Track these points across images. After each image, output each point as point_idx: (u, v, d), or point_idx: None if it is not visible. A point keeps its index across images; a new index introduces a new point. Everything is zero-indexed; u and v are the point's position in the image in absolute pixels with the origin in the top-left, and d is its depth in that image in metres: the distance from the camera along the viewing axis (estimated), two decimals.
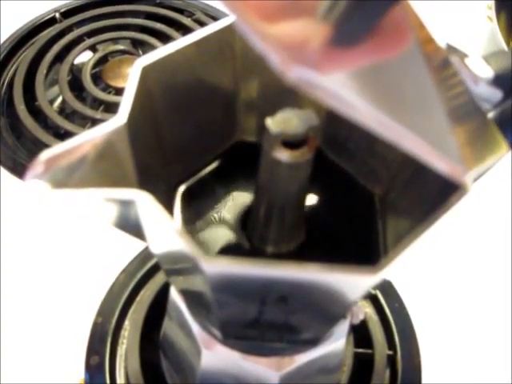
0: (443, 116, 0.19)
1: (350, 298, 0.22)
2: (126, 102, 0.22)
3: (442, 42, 0.24)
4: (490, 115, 0.26)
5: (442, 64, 0.23)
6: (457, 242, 0.49)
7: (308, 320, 0.25)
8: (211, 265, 0.19)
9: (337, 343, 0.32)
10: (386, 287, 0.44)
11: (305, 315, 0.24)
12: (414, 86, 0.19)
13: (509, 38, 0.58)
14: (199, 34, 0.26)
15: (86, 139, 0.22)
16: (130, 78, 0.23)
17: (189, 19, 0.63)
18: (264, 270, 0.19)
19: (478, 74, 0.23)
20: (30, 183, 0.22)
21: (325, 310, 0.23)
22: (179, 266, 0.26)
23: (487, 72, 0.24)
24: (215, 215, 0.29)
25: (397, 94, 0.19)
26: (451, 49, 0.24)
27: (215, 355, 0.31)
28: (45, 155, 0.22)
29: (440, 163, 0.19)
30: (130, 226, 0.24)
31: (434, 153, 0.18)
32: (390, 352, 0.42)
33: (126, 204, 0.21)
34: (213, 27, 0.26)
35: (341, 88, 0.18)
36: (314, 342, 0.29)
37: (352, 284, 0.20)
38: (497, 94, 0.24)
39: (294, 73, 0.17)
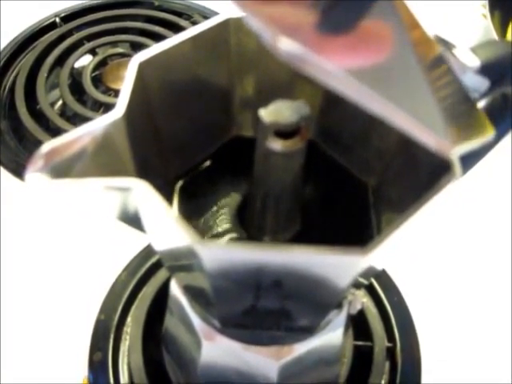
0: (431, 98, 0.20)
1: (343, 283, 0.22)
2: (124, 96, 0.23)
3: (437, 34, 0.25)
4: (479, 105, 0.27)
5: (435, 62, 0.23)
6: (455, 235, 0.50)
7: (303, 306, 0.25)
8: (207, 249, 0.20)
9: (335, 333, 0.32)
10: (385, 280, 0.45)
11: (300, 301, 0.25)
12: (404, 72, 0.20)
13: (503, 35, 0.59)
14: (195, 30, 0.27)
15: (85, 132, 0.22)
16: (128, 72, 0.24)
17: (187, 22, 0.64)
18: (256, 253, 0.19)
19: (466, 64, 0.24)
20: (31, 176, 0.22)
21: (319, 295, 0.24)
22: (180, 260, 0.26)
23: (474, 62, 0.24)
24: (213, 209, 0.30)
25: (388, 78, 0.19)
26: (440, 40, 0.24)
27: (215, 346, 0.31)
28: (45, 148, 0.22)
29: (428, 138, 0.19)
30: (130, 216, 0.24)
31: (422, 128, 0.19)
32: (390, 344, 0.42)
33: (124, 193, 0.21)
34: (208, 24, 0.27)
35: (331, 67, 0.18)
36: (311, 330, 0.29)
37: (343, 266, 0.21)
38: (484, 84, 0.25)
39: (284, 45, 0.18)
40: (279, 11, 0.18)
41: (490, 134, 0.21)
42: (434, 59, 0.23)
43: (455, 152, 0.20)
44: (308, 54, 0.18)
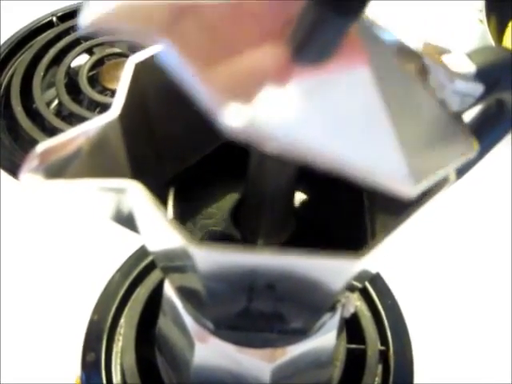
0: (394, 132, 0.18)
1: (337, 286, 0.22)
2: (119, 97, 0.23)
3: (428, 41, 0.25)
4: (475, 108, 0.27)
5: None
6: (449, 239, 0.50)
7: (297, 309, 0.25)
8: (201, 251, 0.20)
9: (328, 336, 0.32)
10: (379, 284, 0.45)
11: (293, 303, 0.25)
12: (363, 105, 0.19)
13: (499, 39, 0.59)
14: None
15: (80, 132, 0.22)
16: (124, 73, 0.24)
17: None
18: (250, 255, 0.19)
19: (454, 71, 0.24)
20: (26, 176, 0.22)
21: (313, 298, 0.24)
22: (173, 262, 0.26)
23: (470, 67, 0.24)
24: (208, 211, 0.30)
25: (343, 117, 0.18)
26: (429, 46, 0.24)
27: (208, 348, 0.31)
28: (40, 148, 0.22)
29: (387, 186, 0.18)
30: (124, 217, 0.24)
31: (380, 177, 0.18)
32: (383, 348, 0.42)
33: (118, 194, 0.21)
34: None
35: (281, 127, 0.17)
36: (304, 333, 0.29)
37: (336, 270, 0.21)
38: (478, 89, 0.25)
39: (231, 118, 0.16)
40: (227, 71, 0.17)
41: (474, 150, 0.21)
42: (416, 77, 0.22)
43: (420, 186, 0.19)
44: (251, 128, 0.16)
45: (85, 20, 0.18)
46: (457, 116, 0.23)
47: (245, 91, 0.17)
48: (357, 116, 0.18)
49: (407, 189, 0.18)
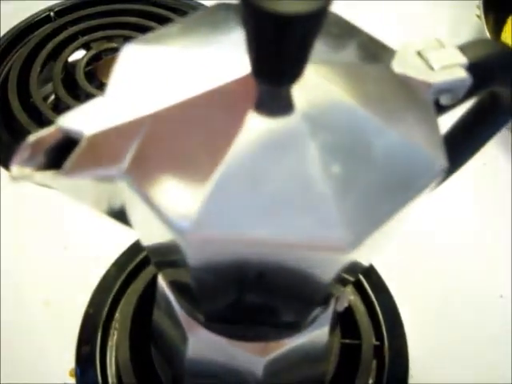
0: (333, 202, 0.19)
1: (326, 277, 0.22)
2: (113, 83, 0.23)
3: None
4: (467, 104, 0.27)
5: None
6: (446, 233, 0.50)
7: (287, 301, 0.25)
8: (190, 240, 0.20)
9: (321, 330, 0.32)
10: (374, 278, 0.45)
11: (284, 296, 0.25)
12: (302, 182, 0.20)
13: (496, 36, 0.59)
14: None
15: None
16: (118, 62, 0.24)
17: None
18: (239, 245, 0.19)
19: (429, 81, 0.24)
20: (17, 168, 0.22)
21: (303, 290, 0.24)
22: (166, 256, 0.26)
23: (461, 59, 0.24)
24: None
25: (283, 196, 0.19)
26: (405, 47, 0.24)
27: (201, 341, 0.31)
28: (31, 139, 0.22)
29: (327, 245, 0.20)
30: (117, 210, 0.24)
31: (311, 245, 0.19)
32: (377, 343, 0.42)
33: (111, 184, 0.21)
34: None
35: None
36: (297, 327, 0.29)
37: (326, 261, 0.21)
38: (467, 81, 0.24)
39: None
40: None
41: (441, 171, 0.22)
42: None
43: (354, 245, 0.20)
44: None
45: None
46: (432, 133, 0.23)
47: (190, 198, 0.19)
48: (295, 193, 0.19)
49: (344, 247, 0.19)
